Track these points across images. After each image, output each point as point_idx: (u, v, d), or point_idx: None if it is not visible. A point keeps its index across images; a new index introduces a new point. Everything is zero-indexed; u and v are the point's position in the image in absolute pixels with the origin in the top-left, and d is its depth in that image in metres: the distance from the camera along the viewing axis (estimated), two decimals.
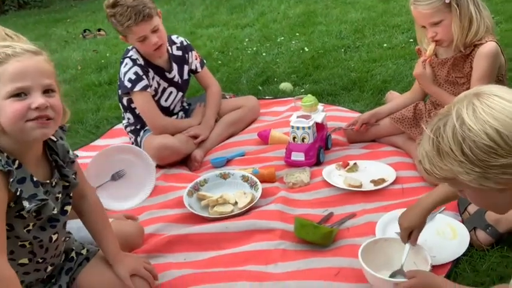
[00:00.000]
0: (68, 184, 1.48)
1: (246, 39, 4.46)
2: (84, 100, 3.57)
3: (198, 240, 1.88)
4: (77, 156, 1.56)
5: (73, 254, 1.58)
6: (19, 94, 1.28)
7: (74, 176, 1.49)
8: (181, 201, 2.07)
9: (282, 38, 4.32)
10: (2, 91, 1.27)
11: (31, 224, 1.37)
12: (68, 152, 1.50)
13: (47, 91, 1.32)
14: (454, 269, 1.59)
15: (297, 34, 4.34)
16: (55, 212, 1.40)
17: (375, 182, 2.10)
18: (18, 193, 1.30)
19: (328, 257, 1.72)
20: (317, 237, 1.76)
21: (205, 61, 2.81)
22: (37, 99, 1.28)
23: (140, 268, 1.58)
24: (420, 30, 2.17)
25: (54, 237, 1.45)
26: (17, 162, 1.31)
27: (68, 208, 1.49)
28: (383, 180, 2.10)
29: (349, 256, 1.69)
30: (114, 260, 1.57)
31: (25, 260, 1.41)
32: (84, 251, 1.61)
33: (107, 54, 4.69)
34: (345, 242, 1.78)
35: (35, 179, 1.35)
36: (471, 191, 1.13)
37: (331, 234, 1.78)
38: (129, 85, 2.45)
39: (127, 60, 2.49)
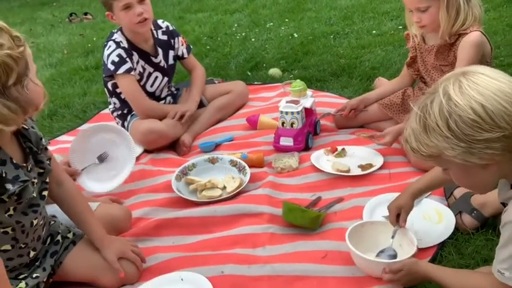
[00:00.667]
0: (42, 171, 1.46)
1: (235, 25, 4.43)
2: (70, 84, 3.53)
3: (186, 224, 1.88)
4: (49, 143, 1.55)
5: (59, 237, 1.57)
6: None
7: (48, 162, 1.48)
8: (170, 186, 2.06)
9: (271, 23, 4.29)
10: (33, 70, 1.29)
11: (11, 208, 1.35)
12: (41, 139, 1.48)
13: None
14: (440, 252, 1.61)
15: (286, 20, 4.32)
16: (34, 195, 1.39)
17: (362, 167, 2.11)
18: (3, 175, 1.28)
19: (315, 240, 1.73)
20: (305, 221, 1.77)
21: (191, 46, 2.78)
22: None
23: (128, 251, 1.58)
24: (409, 15, 2.17)
25: (35, 222, 1.44)
26: None
27: (46, 193, 1.48)
28: (370, 165, 2.11)
29: (336, 239, 1.70)
30: (100, 244, 1.56)
31: (8, 247, 1.40)
32: (70, 235, 1.60)
33: (94, 39, 4.63)
34: (332, 225, 1.79)
35: (14, 161, 1.33)
36: (456, 168, 1.14)
37: (318, 218, 1.79)
38: (112, 67, 2.42)
39: (110, 42, 2.46)
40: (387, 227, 1.63)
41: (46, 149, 1.51)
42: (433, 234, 1.68)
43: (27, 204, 1.40)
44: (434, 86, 1.13)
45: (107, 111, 2.87)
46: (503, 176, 1.16)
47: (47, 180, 1.49)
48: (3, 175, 1.29)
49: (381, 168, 2.10)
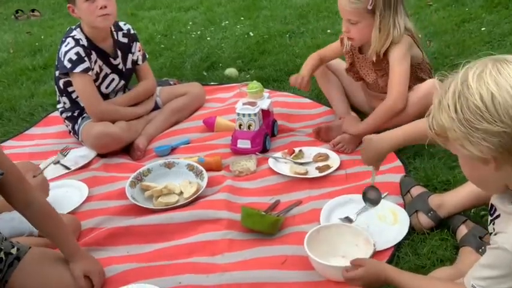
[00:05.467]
0: None
1: (190, 23, 4.35)
2: (16, 86, 3.36)
3: (141, 232, 1.82)
4: None
5: (1, 254, 1.47)
6: None
7: None
8: (124, 193, 1.99)
9: (227, 22, 4.24)
10: None
11: None
12: None
13: None
14: (396, 253, 1.62)
15: (242, 18, 4.28)
16: None
17: (320, 169, 2.11)
18: None
19: (275, 246, 1.71)
20: (264, 226, 1.75)
21: (147, 56, 2.71)
22: None
23: (95, 273, 1.54)
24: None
25: None
26: None
27: None
28: (328, 167, 2.11)
29: (295, 244, 1.68)
30: (71, 257, 1.52)
31: None
32: (14, 250, 1.50)
33: (42, 37, 4.43)
34: (291, 229, 1.78)
35: None
36: (461, 157, 1.11)
37: (277, 223, 1.77)
38: (68, 65, 2.33)
39: (69, 39, 2.36)
40: (343, 230, 1.65)
41: None
42: (389, 235, 1.69)
43: None
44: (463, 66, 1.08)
45: (56, 114, 2.75)
46: (506, 181, 1.11)
47: None
48: None
49: (338, 169, 2.10)
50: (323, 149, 2.25)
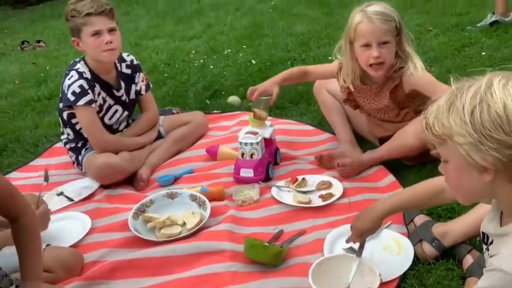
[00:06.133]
0: None
1: (193, 52, 4.41)
2: (21, 117, 3.40)
3: (144, 265, 1.80)
4: None
5: None
6: None
7: None
8: (127, 224, 1.99)
9: (229, 50, 4.30)
10: None
11: None
12: None
13: None
14: (402, 284, 1.60)
15: (244, 46, 4.34)
16: None
17: (323, 197, 2.10)
18: None
19: (279, 277, 1.69)
20: (267, 258, 1.73)
21: (151, 85, 2.74)
22: None
23: None
24: (351, 61, 2.18)
25: None
26: None
27: None
28: (331, 195, 2.11)
29: (299, 275, 1.66)
30: (25, 281, 1.46)
31: None
32: None
33: (47, 67, 4.50)
34: (295, 260, 1.76)
35: None
36: (454, 163, 1.09)
37: (281, 254, 1.76)
38: (72, 98, 2.36)
39: (73, 72, 2.40)
40: (345, 260, 1.63)
41: None
42: (393, 265, 1.67)
43: None
44: (483, 75, 1.07)
45: (59, 144, 2.77)
46: (494, 194, 1.10)
47: None
48: None
49: (341, 197, 2.09)
50: (326, 177, 2.24)
